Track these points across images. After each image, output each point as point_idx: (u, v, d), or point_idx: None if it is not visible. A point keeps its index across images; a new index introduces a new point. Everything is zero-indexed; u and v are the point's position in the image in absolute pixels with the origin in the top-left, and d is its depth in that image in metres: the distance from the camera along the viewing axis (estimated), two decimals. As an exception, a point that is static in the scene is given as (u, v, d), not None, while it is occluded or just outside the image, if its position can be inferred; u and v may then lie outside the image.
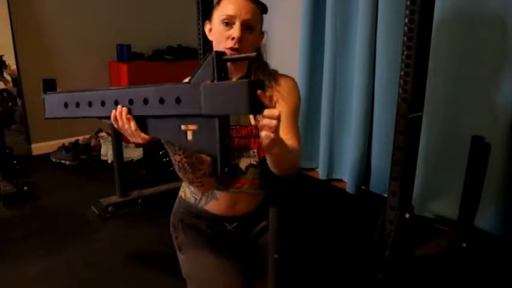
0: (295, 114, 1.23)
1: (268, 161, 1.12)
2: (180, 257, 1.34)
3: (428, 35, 1.41)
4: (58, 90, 1.24)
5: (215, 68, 0.84)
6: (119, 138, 2.35)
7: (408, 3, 1.35)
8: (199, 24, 2.39)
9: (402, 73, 1.43)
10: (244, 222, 1.32)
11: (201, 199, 1.31)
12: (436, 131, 2.00)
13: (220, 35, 1.17)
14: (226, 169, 0.87)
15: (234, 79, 1.24)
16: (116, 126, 1.01)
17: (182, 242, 1.33)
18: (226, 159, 0.87)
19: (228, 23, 1.16)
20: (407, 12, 1.36)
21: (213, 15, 1.21)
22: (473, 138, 1.67)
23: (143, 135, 1.00)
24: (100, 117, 1.05)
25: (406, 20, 1.37)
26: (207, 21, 1.24)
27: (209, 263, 1.24)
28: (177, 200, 1.42)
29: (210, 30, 1.23)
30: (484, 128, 1.78)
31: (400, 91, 1.45)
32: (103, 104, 1.03)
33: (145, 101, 0.95)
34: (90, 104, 1.05)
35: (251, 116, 1.21)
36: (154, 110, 0.93)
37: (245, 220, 1.31)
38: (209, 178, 1.17)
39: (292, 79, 1.28)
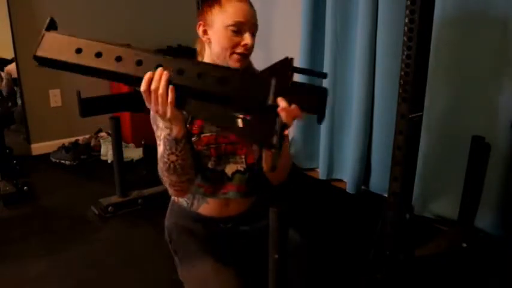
0: None
1: (270, 168, 1.10)
2: (176, 259, 1.34)
3: (428, 35, 1.41)
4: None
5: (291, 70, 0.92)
6: (118, 138, 2.35)
7: (408, 3, 1.35)
8: (199, 24, 2.39)
9: (402, 73, 1.43)
10: (239, 222, 1.32)
11: (192, 203, 1.31)
12: (436, 131, 2.00)
13: (229, 41, 1.15)
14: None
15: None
16: (144, 89, 0.92)
17: (177, 245, 1.33)
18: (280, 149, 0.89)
19: (237, 30, 1.14)
20: (408, 12, 1.36)
21: (213, 18, 1.17)
22: (473, 138, 1.67)
23: (175, 111, 0.96)
24: (124, 76, 0.94)
25: (406, 20, 1.37)
26: (200, 22, 1.20)
27: (205, 265, 1.24)
28: (169, 205, 1.42)
29: (206, 31, 1.19)
30: (484, 128, 1.78)
31: (400, 91, 1.45)
32: (139, 63, 0.93)
33: (199, 75, 0.92)
34: (119, 59, 0.94)
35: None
36: (199, 85, 0.92)
37: (239, 219, 1.31)
38: (191, 184, 1.19)
39: None
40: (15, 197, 2.44)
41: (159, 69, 0.92)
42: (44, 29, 0.97)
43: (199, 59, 1.27)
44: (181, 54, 3.31)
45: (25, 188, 2.48)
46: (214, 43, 1.18)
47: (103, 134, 3.16)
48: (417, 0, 1.33)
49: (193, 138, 1.19)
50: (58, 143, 3.12)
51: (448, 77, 1.93)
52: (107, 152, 3.04)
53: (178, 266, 1.33)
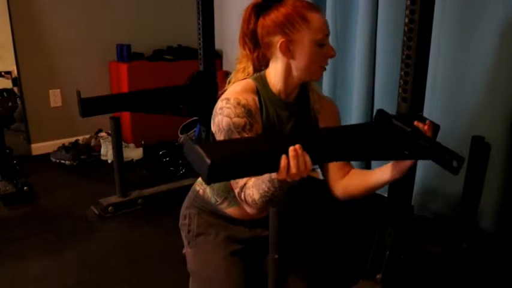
0: None
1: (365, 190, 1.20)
2: (188, 250, 1.34)
3: (428, 35, 1.41)
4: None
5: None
6: (119, 138, 2.35)
7: (408, 3, 1.35)
8: (199, 24, 2.39)
9: (402, 73, 1.43)
10: (259, 224, 1.31)
11: (222, 202, 1.30)
12: (436, 131, 2.00)
13: (316, 55, 1.14)
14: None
15: (290, 98, 1.22)
16: (284, 175, 0.90)
17: (193, 236, 1.33)
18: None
19: (323, 43, 1.14)
20: (407, 12, 1.36)
21: (301, 34, 1.12)
22: (473, 138, 1.67)
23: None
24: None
25: (406, 20, 1.37)
26: (284, 40, 1.12)
27: (217, 263, 1.24)
28: (191, 195, 1.39)
29: (288, 48, 1.13)
30: (484, 128, 1.78)
31: (400, 91, 1.45)
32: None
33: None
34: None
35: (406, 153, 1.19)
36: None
37: (260, 222, 1.30)
38: None
39: (334, 104, 1.34)
40: (15, 197, 2.44)
41: (291, 149, 0.90)
42: (205, 158, 0.82)
43: (242, 76, 1.23)
44: (182, 54, 3.28)
45: (25, 188, 2.48)
46: (300, 59, 1.14)
47: (103, 134, 3.16)
48: (417, 0, 1.33)
49: None
50: (58, 143, 3.13)
51: (447, 77, 1.93)
52: (107, 152, 3.05)
53: (190, 257, 1.32)
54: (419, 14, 1.33)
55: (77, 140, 3.12)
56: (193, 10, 2.41)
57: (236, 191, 1.11)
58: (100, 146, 3.10)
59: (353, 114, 2.35)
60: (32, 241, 2.09)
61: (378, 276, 1.49)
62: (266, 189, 1.02)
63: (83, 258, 1.97)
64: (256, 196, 1.05)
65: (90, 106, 2.17)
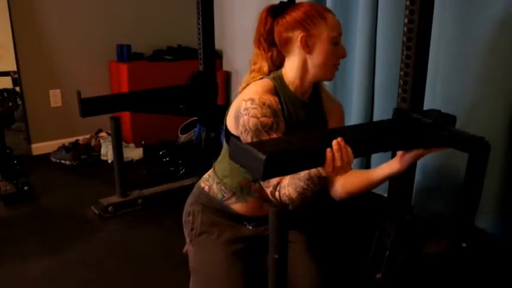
0: None
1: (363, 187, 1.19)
2: (190, 248, 1.35)
3: (428, 35, 1.41)
4: None
5: None
6: (119, 138, 2.35)
7: (408, 3, 1.35)
8: (199, 24, 2.39)
9: (402, 73, 1.43)
10: (262, 222, 1.31)
11: (229, 198, 1.31)
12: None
13: (331, 54, 1.20)
14: None
15: (305, 97, 1.27)
16: (330, 168, 0.94)
17: (196, 234, 1.33)
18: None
19: (337, 42, 1.21)
20: (407, 12, 1.36)
21: (319, 30, 1.18)
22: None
23: None
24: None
25: (406, 20, 1.37)
26: (303, 34, 1.18)
27: (218, 262, 1.25)
28: (196, 191, 1.40)
29: (307, 42, 1.18)
30: (484, 128, 1.78)
31: (400, 91, 1.45)
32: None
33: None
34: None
35: None
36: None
37: (264, 220, 1.31)
38: None
39: (341, 104, 1.44)
40: (15, 197, 2.44)
41: (334, 142, 0.94)
42: (260, 154, 0.85)
43: (258, 75, 1.26)
44: (182, 54, 3.28)
45: (25, 188, 2.48)
46: (317, 54, 1.20)
47: (103, 134, 3.16)
48: (417, 0, 1.33)
49: None
50: (58, 143, 3.13)
51: (447, 77, 1.93)
52: (107, 152, 3.05)
53: (192, 255, 1.33)
54: (418, 14, 1.33)
55: (77, 140, 3.13)
56: (193, 10, 2.41)
57: (269, 190, 1.15)
58: (100, 146, 3.10)
59: (353, 114, 2.35)
60: (32, 241, 2.10)
61: (378, 276, 1.49)
62: (305, 186, 1.08)
63: (83, 258, 1.97)
64: (294, 194, 1.10)
65: (90, 106, 2.17)
